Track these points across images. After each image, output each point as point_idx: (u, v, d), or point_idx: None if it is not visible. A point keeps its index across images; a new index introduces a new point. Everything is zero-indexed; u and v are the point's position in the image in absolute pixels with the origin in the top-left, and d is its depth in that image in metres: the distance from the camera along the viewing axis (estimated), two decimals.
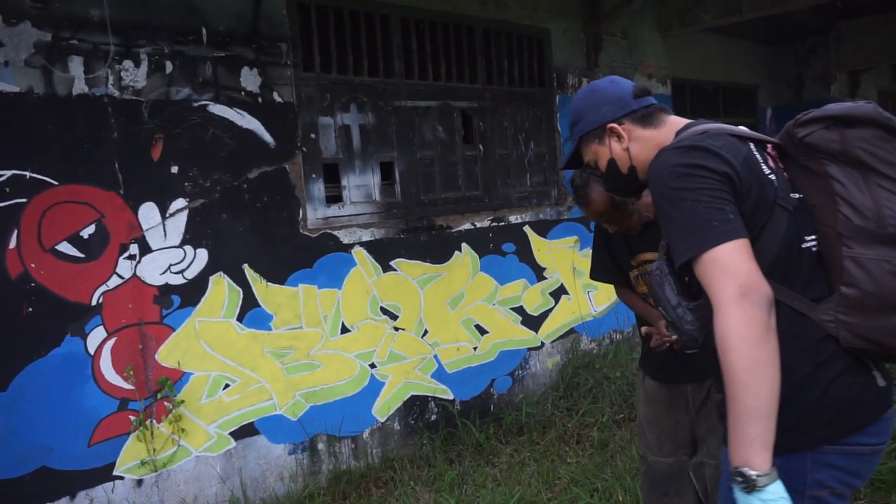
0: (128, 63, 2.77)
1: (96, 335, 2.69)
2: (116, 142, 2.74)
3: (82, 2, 2.65)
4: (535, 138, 4.49)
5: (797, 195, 1.29)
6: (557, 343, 4.56)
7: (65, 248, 2.62)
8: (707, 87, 6.77)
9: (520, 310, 4.34)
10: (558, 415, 3.97)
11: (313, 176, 3.34)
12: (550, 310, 4.52)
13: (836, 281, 1.23)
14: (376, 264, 3.58)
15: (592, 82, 1.58)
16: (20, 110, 2.53)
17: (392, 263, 3.66)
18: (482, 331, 4.11)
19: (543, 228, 4.44)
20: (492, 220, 4.17)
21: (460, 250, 4.00)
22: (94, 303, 2.68)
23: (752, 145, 1.29)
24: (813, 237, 1.28)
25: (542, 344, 4.46)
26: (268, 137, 3.17)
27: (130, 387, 2.76)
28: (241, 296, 3.08)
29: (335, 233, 3.41)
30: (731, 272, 1.14)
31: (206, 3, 2.96)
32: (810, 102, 7.46)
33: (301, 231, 3.28)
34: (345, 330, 3.45)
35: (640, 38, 5.31)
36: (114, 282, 2.73)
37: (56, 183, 2.60)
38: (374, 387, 3.57)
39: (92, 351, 2.68)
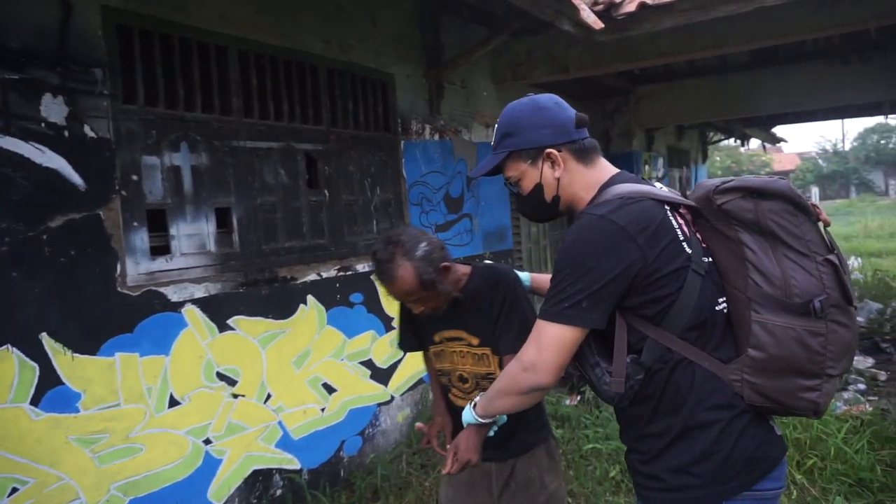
0: None
1: None
2: None
3: None
4: (382, 184, 4.35)
5: (708, 259, 1.38)
6: (407, 395, 4.39)
7: None
8: None
9: (368, 363, 4.10)
10: (414, 474, 3.77)
11: (135, 224, 2.85)
12: (399, 361, 4.34)
13: (743, 343, 1.32)
14: (211, 324, 3.14)
15: (535, 97, 1.50)
16: None
17: (230, 322, 3.24)
18: (330, 389, 3.80)
19: None
20: (339, 270, 3.91)
21: (306, 303, 3.69)
22: None
23: (667, 210, 1.37)
24: (723, 299, 1.37)
25: (392, 398, 4.25)
26: (76, 178, 2.64)
27: None
28: (38, 372, 2.48)
29: (161, 290, 2.93)
30: (541, 346, 1.34)
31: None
32: (617, 155, 8.31)
33: (119, 289, 2.76)
34: (174, 403, 2.95)
35: (477, 88, 5.47)
36: None
37: None
38: (210, 466, 3.09)
39: None
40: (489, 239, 5.60)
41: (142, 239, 2.88)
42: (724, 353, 1.34)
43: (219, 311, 3.18)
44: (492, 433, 1.81)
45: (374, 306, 4.14)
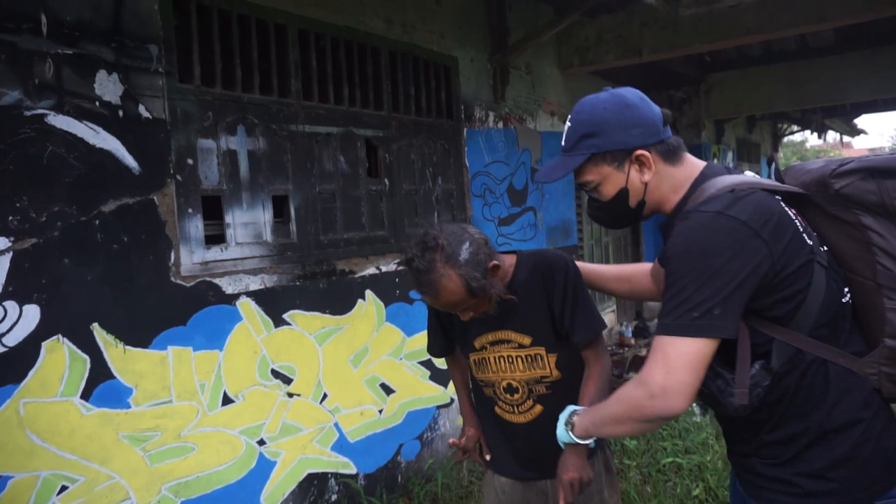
0: None
1: None
2: None
3: None
4: (444, 173, 4.11)
5: (824, 248, 1.27)
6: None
7: None
8: None
9: (428, 363, 3.87)
10: (476, 482, 3.53)
11: (190, 211, 2.69)
12: None
13: (878, 333, 1.22)
14: (267, 318, 2.97)
15: (618, 91, 1.34)
16: None
17: (286, 316, 3.06)
18: (388, 390, 3.59)
19: None
20: (398, 264, 3.70)
21: (364, 298, 3.48)
22: None
23: (780, 200, 1.26)
24: (847, 289, 1.27)
25: (452, 400, 4.02)
26: (130, 161, 2.49)
27: None
28: (88, 365, 2.34)
29: (216, 281, 2.76)
30: (671, 367, 1.16)
31: None
32: (686, 146, 7.85)
33: (172, 279, 2.61)
34: (227, 401, 2.78)
35: (543, 74, 5.17)
36: None
37: None
38: (264, 468, 2.91)
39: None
40: (553, 234, 5.30)
41: (196, 226, 2.72)
42: (855, 346, 1.24)
43: (275, 304, 3.00)
44: (592, 444, 1.61)
45: None
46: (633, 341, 6.40)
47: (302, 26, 3.21)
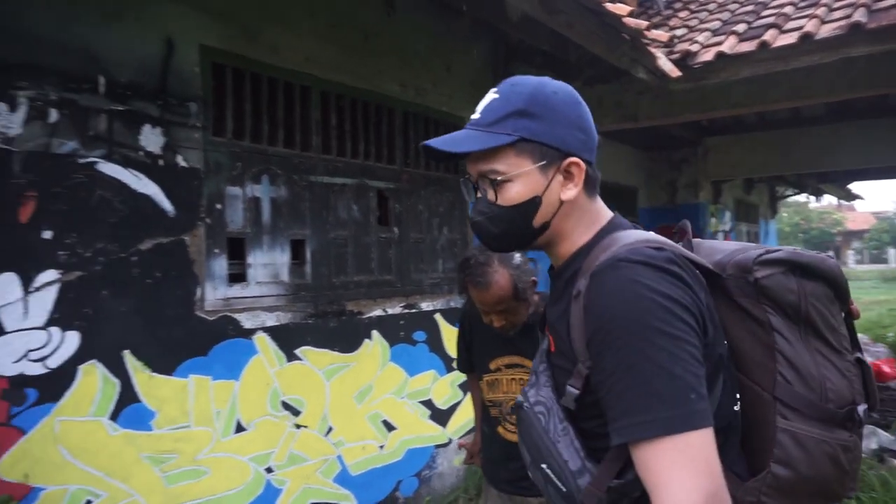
0: (1, 105, 2.32)
1: None
2: None
3: None
4: (448, 224, 4.39)
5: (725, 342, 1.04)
6: (465, 439, 4.29)
7: None
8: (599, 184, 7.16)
9: (428, 403, 4.06)
10: None
11: (216, 251, 2.95)
12: (458, 403, 4.28)
13: (764, 456, 1.00)
14: (280, 353, 3.19)
15: (567, 86, 1.06)
16: None
17: (297, 352, 3.28)
18: (390, 427, 3.77)
19: (454, 317, 4.26)
20: (404, 307, 3.93)
21: (370, 338, 3.70)
22: None
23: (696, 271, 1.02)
24: (738, 396, 1.04)
25: (450, 440, 4.18)
26: (167, 205, 2.78)
27: None
28: (118, 389, 2.56)
29: (236, 316, 3.00)
30: (704, 472, 0.83)
31: (108, 51, 2.60)
32: (683, 206, 8.16)
33: (197, 313, 2.85)
34: (240, 429, 2.98)
35: None
36: None
37: None
38: (270, 495, 3.08)
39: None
40: None
41: (221, 266, 2.98)
42: (739, 466, 1.02)
43: (288, 340, 3.23)
44: None
45: (436, 345, 4.12)
46: None
47: (325, 88, 3.55)
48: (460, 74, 4.52)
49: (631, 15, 3.39)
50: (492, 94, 1.05)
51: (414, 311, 4.00)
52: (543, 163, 1.00)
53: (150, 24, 2.73)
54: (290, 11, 3.31)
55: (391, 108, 3.99)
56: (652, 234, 1.01)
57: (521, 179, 1.01)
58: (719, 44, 4.07)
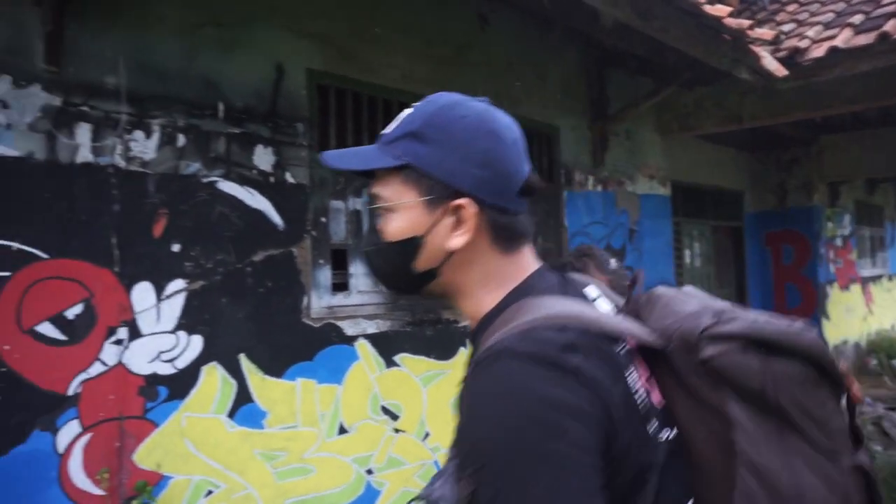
0: (139, 133, 2.60)
1: (69, 430, 2.36)
2: (117, 215, 2.52)
3: (99, 69, 2.51)
4: (543, 233, 4.40)
5: (670, 433, 0.80)
6: None
7: (45, 329, 2.34)
8: (698, 190, 6.90)
9: None
10: None
11: (321, 262, 3.14)
12: None
13: None
14: (380, 359, 3.33)
15: (495, 111, 0.86)
16: (16, 176, 2.31)
17: (396, 358, 3.41)
18: None
19: None
20: None
21: (465, 346, 3.78)
22: (70, 393, 2.37)
23: (619, 351, 0.78)
24: (691, 501, 0.80)
25: None
26: (277, 219, 2.99)
27: (101, 492, 2.39)
28: (235, 389, 2.78)
29: (339, 323, 3.17)
30: None
31: (226, 79, 2.85)
32: (794, 209, 7.66)
33: (303, 320, 3.04)
34: (342, 430, 3.14)
35: (642, 140, 5.39)
36: (96, 369, 2.43)
37: (46, 256, 2.35)
38: (370, 495, 3.22)
39: (62, 449, 2.33)
40: None
41: (325, 276, 3.15)
42: None
43: (387, 347, 3.36)
44: None
45: None
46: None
47: None
48: (553, 83, 4.53)
49: (732, 15, 3.27)
50: (409, 110, 0.88)
51: None
52: (430, 198, 0.82)
53: (262, 52, 2.96)
54: (386, 32, 3.47)
55: None
56: (566, 306, 0.77)
57: (402, 212, 0.84)
58: (832, 38, 3.83)
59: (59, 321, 2.37)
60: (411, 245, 0.83)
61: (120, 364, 2.49)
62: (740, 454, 0.75)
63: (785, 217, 7.79)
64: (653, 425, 0.77)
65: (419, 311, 3.55)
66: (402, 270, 0.86)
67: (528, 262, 0.87)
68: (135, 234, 2.56)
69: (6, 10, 2.32)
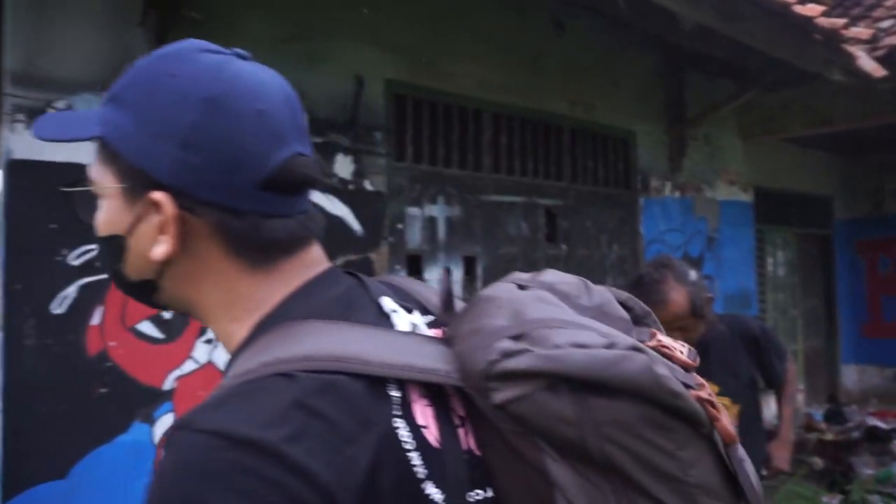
0: None
1: (164, 423, 2.52)
2: None
3: None
4: (618, 240, 4.33)
5: (482, 495, 0.58)
6: None
7: (145, 327, 2.51)
8: (783, 195, 6.58)
9: None
10: None
11: (397, 267, 3.21)
12: None
13: None
14: None
15: (223, 65, 0.63)
16: None
17: None
18: None
19: None
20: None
21: None
22: (166, 387, 2.53)
23: (395, 395, 0.55)
24: None
25: None
26: (356, 225, 3.08)
27: None
28: None
29: None
30: None
31: (310, 91, 2.96)
32: (891, 216, 7.17)
33: None
34: None
35: (722, 144, 5.21)
36: (188, 366, 2.59)
37: None
38: None
39: (157, 440, 2.50)
40: (730, 303, 5.19)
41: None
42: None
43: None
44: None
45: None
46: (822, 425, 5.89)
47: (495, 110, 3.70)
48: (628, 88, 4.45)
49: (824, 14, 3.12)
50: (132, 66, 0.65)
51: None
52: (125, 186, 0.61)
53: (343, 64, 3.07)
54: (462, 41, 3.52)
55: (559, 126, 4.04)
56: (322, 339, 0.56)
57: (105, 201, 0.64)
58: None
59: (157, 320, 2.53)
60: (115, 245, 0.64)
61: (210, 362, 2.63)
62: None
63: (881, 224, 7.31)
64: (448, 488, 0.55)
65: None
66: (116, 275, 0.66)
67: (294, 277, 0.63)
68: None
69: (114, 32, 2.51)
